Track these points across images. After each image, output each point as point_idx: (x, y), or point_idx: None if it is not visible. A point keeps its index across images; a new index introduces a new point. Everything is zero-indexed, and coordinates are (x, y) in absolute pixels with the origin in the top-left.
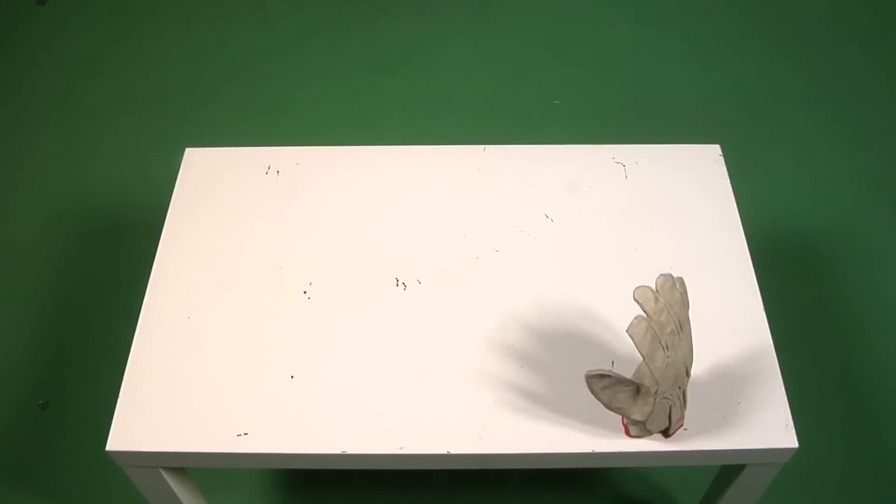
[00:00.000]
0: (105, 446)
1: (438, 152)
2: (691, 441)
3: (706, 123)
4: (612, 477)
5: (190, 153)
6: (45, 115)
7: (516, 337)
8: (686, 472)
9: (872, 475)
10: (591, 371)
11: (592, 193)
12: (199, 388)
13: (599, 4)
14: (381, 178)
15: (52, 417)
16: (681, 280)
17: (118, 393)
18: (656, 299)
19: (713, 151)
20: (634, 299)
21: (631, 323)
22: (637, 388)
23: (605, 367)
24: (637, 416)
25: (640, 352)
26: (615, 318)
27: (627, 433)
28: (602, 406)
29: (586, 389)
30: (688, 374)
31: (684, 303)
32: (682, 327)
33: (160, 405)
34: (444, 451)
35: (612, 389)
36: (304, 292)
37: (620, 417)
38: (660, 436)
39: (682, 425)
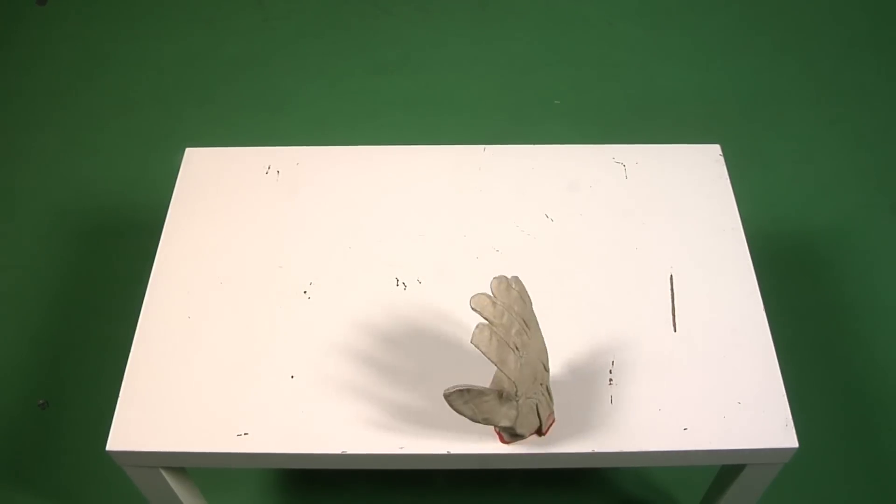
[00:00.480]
0: (105, 446)
1: (438, 152)
2: (691, 441)
3: (706, 123)
4: (612, 477)
5: (190, 153)
6: (45, 115)
7: None
8: (686, 472)
9: (872, 475)
10: (448, 389)
11: (593, 193)
12: (200, 387)
13: (599, 4)
14: (381, 177)
15: (52, 417)
16: (516, 279)
17: (118, 393)
18: (494, 304)
19: (713, 151)
20: (472, 308)
21: (473, 333)
22: (499, 395)
23: (472, 382)
24: (505, 422)
25: (489, 359)
26: (615, 317)
27: (502, 440)
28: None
29: (586, 389)
30: (546, 368)
31: (524, 300)
32: (528, 325)
33: (160, 405)
34: (444, 451)
35: (475, 402)
36: (304, 292)
37: (492, 427)
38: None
39: (553, 421)
